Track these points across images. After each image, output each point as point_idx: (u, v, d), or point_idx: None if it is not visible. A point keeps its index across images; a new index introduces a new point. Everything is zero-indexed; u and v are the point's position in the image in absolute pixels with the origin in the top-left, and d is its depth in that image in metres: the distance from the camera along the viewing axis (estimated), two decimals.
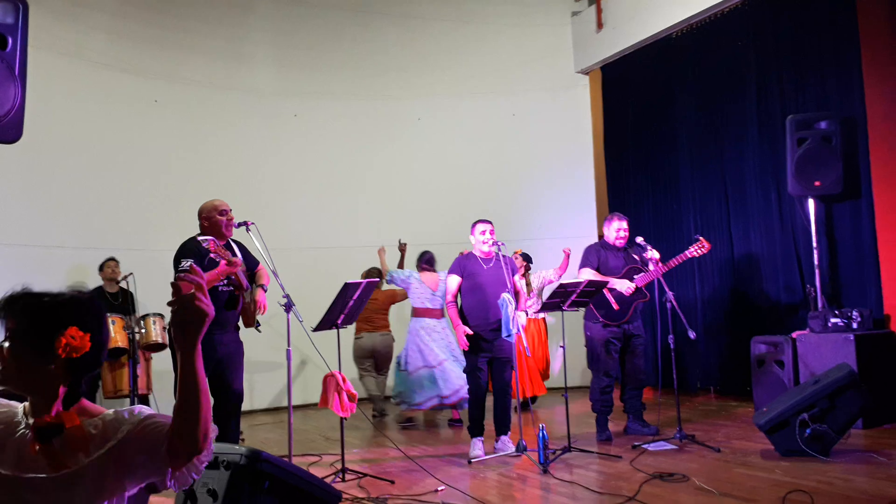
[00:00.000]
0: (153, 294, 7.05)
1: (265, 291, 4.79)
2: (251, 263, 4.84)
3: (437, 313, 6.77)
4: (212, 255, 4.31)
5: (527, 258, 7.46)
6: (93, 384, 6.96)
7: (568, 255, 7.23)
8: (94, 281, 7.13)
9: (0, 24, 3.84)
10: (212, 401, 1.52)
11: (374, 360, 7.48)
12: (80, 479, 1.53)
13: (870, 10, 6.19)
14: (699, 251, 5.66)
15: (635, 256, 5.78)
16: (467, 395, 6.14)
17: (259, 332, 4.83)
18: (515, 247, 7.71)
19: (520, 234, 8.48)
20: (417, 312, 6.83)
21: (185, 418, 1.53)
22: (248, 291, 4.68)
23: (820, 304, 6.21)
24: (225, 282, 4.54)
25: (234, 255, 4.72)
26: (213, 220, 4.65)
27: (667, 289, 5.29)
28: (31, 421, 1.59)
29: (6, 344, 1.57)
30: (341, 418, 4.83)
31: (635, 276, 5.63)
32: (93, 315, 1.62)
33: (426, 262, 6.95)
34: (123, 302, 6.86)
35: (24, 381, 1.58)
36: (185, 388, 1.53)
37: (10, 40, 3.88)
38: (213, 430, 1.58)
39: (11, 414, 1.64)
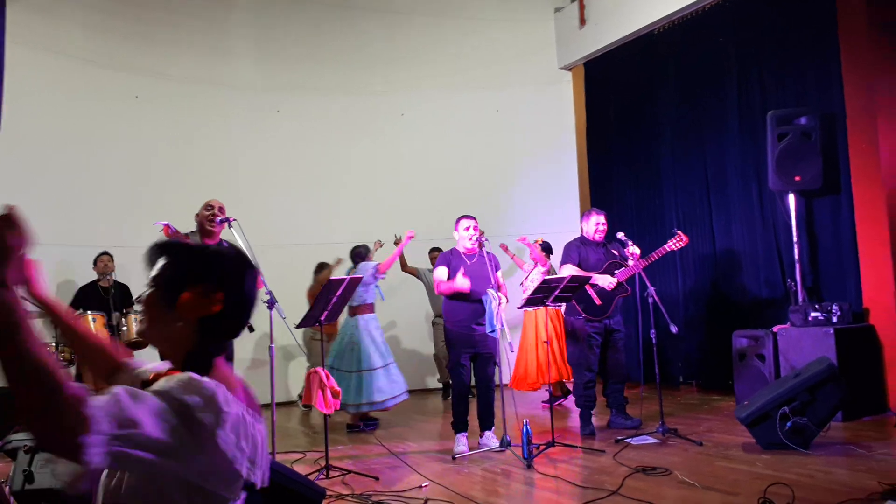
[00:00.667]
0: (136, 290, 7.01)
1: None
2: None
3: (356, 310, 6.54)
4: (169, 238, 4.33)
5: (546, 248, 7.35)
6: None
7: (529, 245, 7.25)
8: (79, 278, 7.02)
9: None
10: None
11: None
12: None
13: (849, 5, 6.25)
14: (678, 244, 5.71)
15: (614, 252, 5.80)
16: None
17: (251, 331, 4.83)
18: (498, 241, 7.72)
19: (502, 228, 8.49)
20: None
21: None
22: None
23: (800, 298, 6.27)
24: None
25: None
26: (200, 215, 4.80)
27: (648, 283, 5.32)
28: None
29: (145, 292, 1.46)
30: (325, 415, 4.82)
31: (616, 272, 5.66)
32: (234, 273, 1.47)
33: (351, 257, 6.85)
34: (116, 295, 6.77)
35: (155, 335, 1.46)
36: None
37: None
38: (85, 405, 1.09)
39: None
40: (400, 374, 6.53)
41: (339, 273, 7.24)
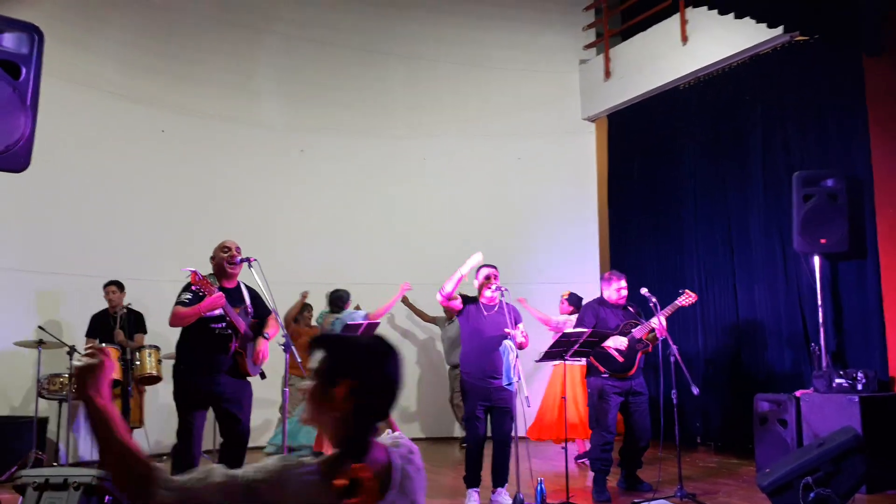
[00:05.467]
0: (152, 325, 6.99)
1: (267, 341, 4.73)
2: (262, 311, 4.80)
3: None
4: (193, 287, 4.32)
5: (574, 301, 7.12)
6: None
7: (528, 308, 7.15)
8: (94, 306, 7.00)
9: (14, 54, 3.83)
10: (128, 453, 1.58)
11: None
12: None
13: (876, 68, 6.24)
14: (687, 301, 5.63)
15: (631, 310, 5.71)
16: None
17: (263, 378, 4.80)
18: (516, 291, 7.63)
19: (521, 277, 8.40)
20: None
21: (114, 480, 1.59)
22: (245, 337, 4.60)
23: (824, 363, 6.14)
24: (224, 325, 4.50)
25: (243, 300, 4.68)
26: (217, 257, 4.71)
27: (671, 342, 5.23)
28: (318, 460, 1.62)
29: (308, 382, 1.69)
30: None
31: (633, 330, 5.54)
32: (374, 363, 1.67)
33: (331, 302, 6.75)
34: (126, 323, 6.69)
35: (318, 422, 1.68)
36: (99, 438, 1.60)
37: (23, 70, 3.85)
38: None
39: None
40: None
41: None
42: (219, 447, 5.31)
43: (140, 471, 1.55)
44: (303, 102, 9.07)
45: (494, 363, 5.14)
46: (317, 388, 1.65)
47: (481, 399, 5.17)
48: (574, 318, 6.89)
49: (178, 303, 4.48)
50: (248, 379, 4.73)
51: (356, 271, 8.64)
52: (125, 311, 6.78)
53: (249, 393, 4.71)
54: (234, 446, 4.62)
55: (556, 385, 7.01)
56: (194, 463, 4.47)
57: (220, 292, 4.41)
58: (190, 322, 4.45)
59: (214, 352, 4.49)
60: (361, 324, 4.83)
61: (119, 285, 6.87)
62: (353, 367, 1.64)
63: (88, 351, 1.64)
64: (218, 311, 4.44)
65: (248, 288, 4.82)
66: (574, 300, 7.16)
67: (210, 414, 4.64)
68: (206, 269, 4.72)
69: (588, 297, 6.41)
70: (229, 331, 4.52)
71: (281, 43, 8.98)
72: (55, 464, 6.30)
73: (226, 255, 4.66)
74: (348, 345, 1.71)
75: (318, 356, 1.68)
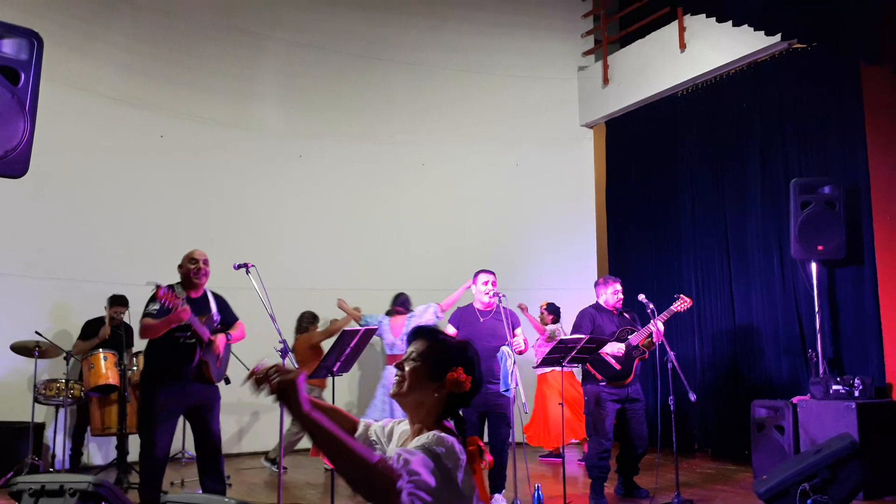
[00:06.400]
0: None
1: (228, 340, 4.72)
2: (229, 318, 4.81)
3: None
4: (160, 301, 4.30)
5: (552, 310, 7.49)
6: (81, 420, 6.83)
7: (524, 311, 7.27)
8: (94, 311, 6.99)
9: (14, 60, 3.84)
10: (354, 450, 1.57)
11: None
12: None
13: (874, 77, 6.26)
14: (683, 306, 5.62)
15: (627, 316, 5.70)
16: None
17: (227, 384, 4.78)
18: (514, 296, 7.65)
19: (519, 283, 8.42)
20: (386, 360, 6.68)
21: (345, 480, 1.59)
22: (208, 345, 4.59)
23: (821, 370, 6.15)
24: (189, 333, 4.50)
25: (209, 307, 4.67)
26: (184, 268, 4.71)
27: (668, 349, 5.23)
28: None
29: (410, 363, 1.91)
30: (331, 470, 4.72)
31: (629, 336, 5.53)
32: (475, 362, 1.95)
33: (399, 304, 6.72)
34: (120, 335, 6.65)
35: (411, 400, 1.90)
36: (323, 451, 1.60)
37: (22, 76, 3.87)
38: (387, 478, 1.56)
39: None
40: None
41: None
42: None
43: (382, 474, 1.57)
44: (303, 108, 9.07)
45: (490, 368, 5.14)
46: (426, 369, 1.89)
47: (476, 405, 5.15)
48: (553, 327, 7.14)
49: (146, 314, 4.50)
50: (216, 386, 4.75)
51: (355, 276, 8.65)
52: (122, 322, 6.74)
53: (218, 397, 4.74)
54: (209, 451, 4.64)
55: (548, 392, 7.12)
56: (160, 467, 4.49)
57: (186, 306, 4.41)
58: (159, 335, 4.47)
59: (180, 360, 4.51)
60: (359, 329, 4.82)
61: (123, 304, 6.81)
62: (465, 360, 1.91)
63: (275, 368, 1.63)
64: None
65: (215, 295, 4.82)
66: (553, 309, 7.51)
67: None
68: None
69: (586, 303, 6.42)
70: (193, 340, 4.53)
71: (282, 48, 8.98)
72: (51, 470, 6.27)
73: (193, 266, 4.66)
74: (454, 341, 1.98)
75: (420, 343, 1.93)
